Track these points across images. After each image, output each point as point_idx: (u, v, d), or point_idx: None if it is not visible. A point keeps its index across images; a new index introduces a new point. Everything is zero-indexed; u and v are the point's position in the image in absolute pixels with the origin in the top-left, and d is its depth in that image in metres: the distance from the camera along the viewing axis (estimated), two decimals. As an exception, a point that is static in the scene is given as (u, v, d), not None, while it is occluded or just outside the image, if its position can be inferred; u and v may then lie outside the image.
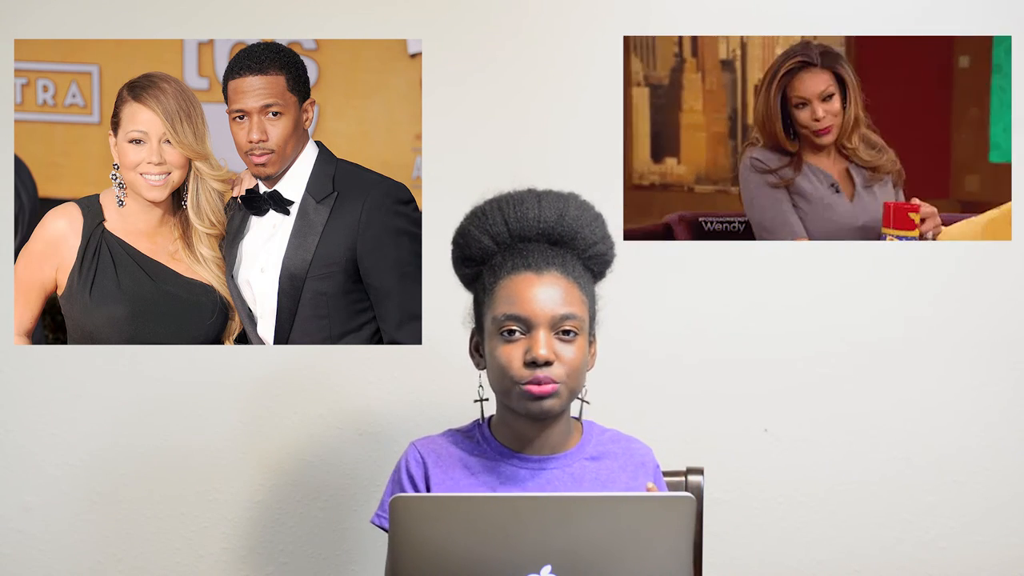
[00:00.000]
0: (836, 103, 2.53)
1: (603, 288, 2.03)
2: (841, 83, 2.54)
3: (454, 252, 2.02)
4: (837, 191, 2.56)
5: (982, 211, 2.62)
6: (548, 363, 1.88)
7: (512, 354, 1.89)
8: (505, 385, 1.91)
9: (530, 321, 1.89)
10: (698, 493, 2.20)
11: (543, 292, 1.90)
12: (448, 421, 2.11)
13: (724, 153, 2.68)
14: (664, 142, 2.68)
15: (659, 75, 2.67)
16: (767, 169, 2.56)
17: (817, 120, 2.54)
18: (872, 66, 2.59)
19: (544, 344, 1.88)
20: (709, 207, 2.67)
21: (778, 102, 2.54)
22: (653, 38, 2.62)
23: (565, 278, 1.93)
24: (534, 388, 1.88)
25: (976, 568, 2.57)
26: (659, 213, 2.66)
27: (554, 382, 1.88)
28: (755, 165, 2.56)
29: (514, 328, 1.90)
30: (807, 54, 2.54)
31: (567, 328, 1.90)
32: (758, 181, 2.56)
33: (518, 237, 1.95)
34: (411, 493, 1.95)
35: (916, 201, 2.55)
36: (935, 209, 2.55)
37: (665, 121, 2.67)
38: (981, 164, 2.65)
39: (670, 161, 2.68)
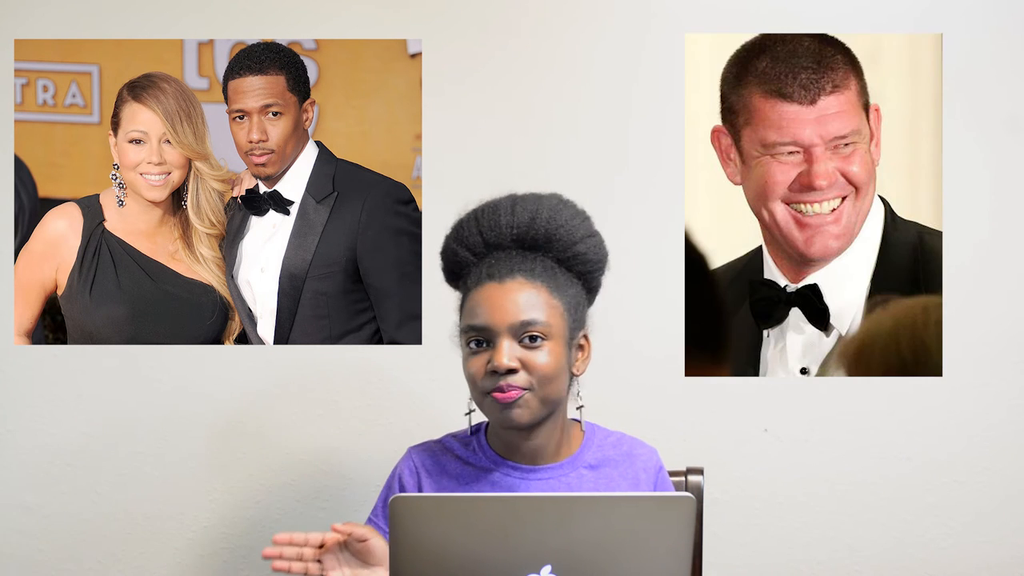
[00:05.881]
0: None
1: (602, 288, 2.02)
2: None
3: (442, 268, 2.00)
4: None
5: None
6: (512, 371, 1.84)
7: (477, 365, 1.86)
8: (477, 397, 1.89)
9: (490, 330, 1.86)
10: (698, 493, 2.20)
11: (503, 301, 1.86)
12: (447, 421, 2.10)
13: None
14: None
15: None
16: None
17: None
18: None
19: (506, 353, 1.84)
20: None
21: None
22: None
23: (531, 283, 1.87)
24: (499, 396, 1.85)
25: (976, 568, 2.56)
26: None
27: (520, 389, 1.85)
28: None
29: (479, 339, 1.87)
30: None
31: (532, 334, 1.86)
32: None
33: (493, 246, 1.91)
34: (410, 493, 1.94)
35: None
36: None
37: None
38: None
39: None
